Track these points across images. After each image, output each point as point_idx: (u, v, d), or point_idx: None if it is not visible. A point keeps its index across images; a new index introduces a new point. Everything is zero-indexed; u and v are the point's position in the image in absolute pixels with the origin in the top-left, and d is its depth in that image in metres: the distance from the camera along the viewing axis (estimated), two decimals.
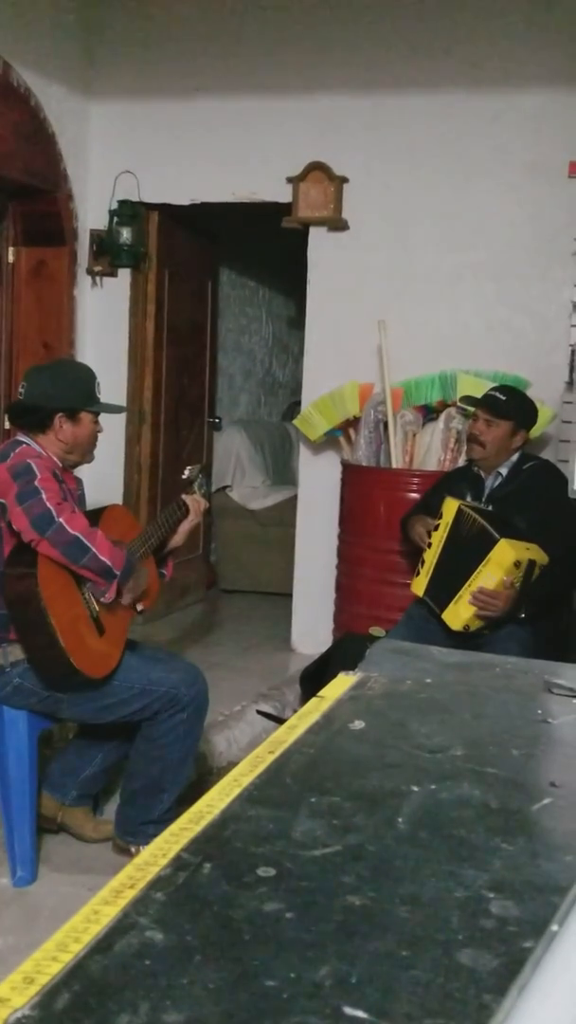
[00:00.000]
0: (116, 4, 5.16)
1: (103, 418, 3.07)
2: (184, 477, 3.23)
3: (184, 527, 3.18)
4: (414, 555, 3.83)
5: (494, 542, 3.41)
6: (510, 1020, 0.67)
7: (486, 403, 3.78)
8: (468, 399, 4.05)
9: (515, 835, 0.93)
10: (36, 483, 2.69)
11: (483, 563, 3.42)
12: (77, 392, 2.96)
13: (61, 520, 2.64)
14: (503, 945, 0.74)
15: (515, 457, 3.77)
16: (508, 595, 3.41)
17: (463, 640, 3.52)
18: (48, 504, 2.66)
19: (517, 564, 3.40)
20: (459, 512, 3.55)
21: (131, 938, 0.73)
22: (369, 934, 0.76)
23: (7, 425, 4.88)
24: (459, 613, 3.49)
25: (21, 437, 2.94)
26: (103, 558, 2.68)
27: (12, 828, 2.90)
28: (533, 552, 3.46)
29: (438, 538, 3.61)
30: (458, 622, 3.49)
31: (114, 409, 3.14)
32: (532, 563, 3.45)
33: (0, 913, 2.74)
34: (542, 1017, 0.68)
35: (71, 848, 3.14)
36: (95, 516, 2.93)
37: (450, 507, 3.59)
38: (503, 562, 3.38)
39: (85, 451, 3.02)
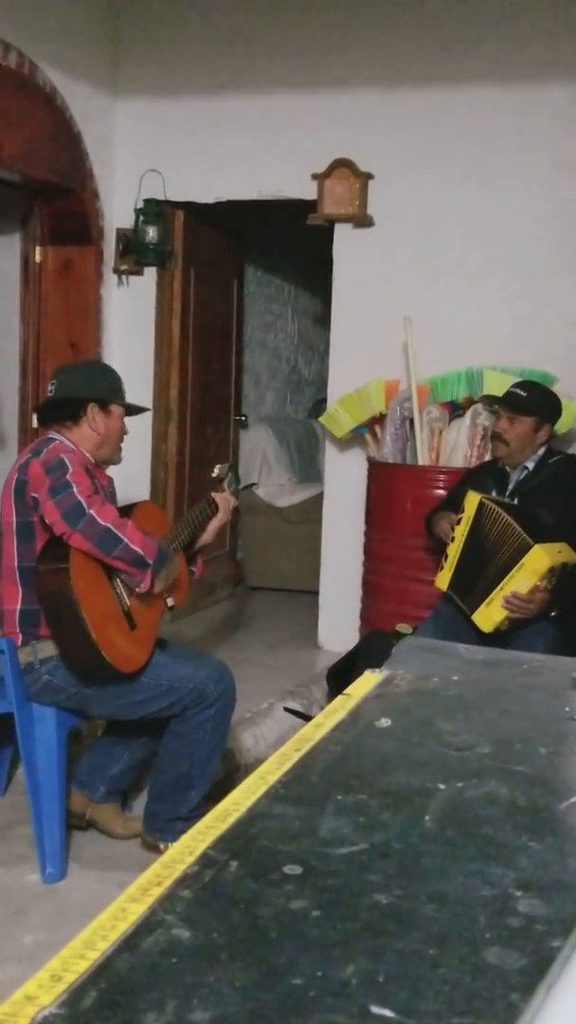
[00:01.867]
0: (141, 3, 5.17)
1: (129, 418, 3.11)
2: (214, 475, 3.25)
3: (213, 525, 3.20)
4: (440, 552, 3.82)
5: (528, 547, 3.39)
6: (538, 1019, 0.67)
7: (507, 400, 3.77)
8: (489, 398, 4.04)
9: (543, 833, 0.93)
10: (68, 477, 2.72)
11: (516, 567, 3.40)
12: (108, 384, 3.06)
13: (92, 512, 2.66)
14: (531, 944, 0.74)
15: (541, 451, 3.76)
16: (541, 598, 3.41)
17: (491, 638, 3.51)
18: (79, 496, 2.68)
19: (552, 570, 3.39)
20: (480, 506, 3.55)
21: (158, 936, 0.73)
22: (396, 932, 0.75)
23: (35, 424, 4.92)
24: (491, 616, 3.48)
25: (53, 434, 2.97)
26: (135, 547, 2.70)
27: (42, 825, 2.91)
28: (565, 554, 3.45)
29: (460, 532, 3.61)
30: (489, 624, 3.49)
31: (140, 409, 3.19)
32: (565, 565, 3.44)
33: (30, 909, 2.76)
34: (570, 1016, 0.68)
35: (100, 845, 3.15)
36: (126, 512, 2.96)
37: (472, 501, 3.58)
38: (538, 569, 3.38)
39: (114, 448, 3.07)
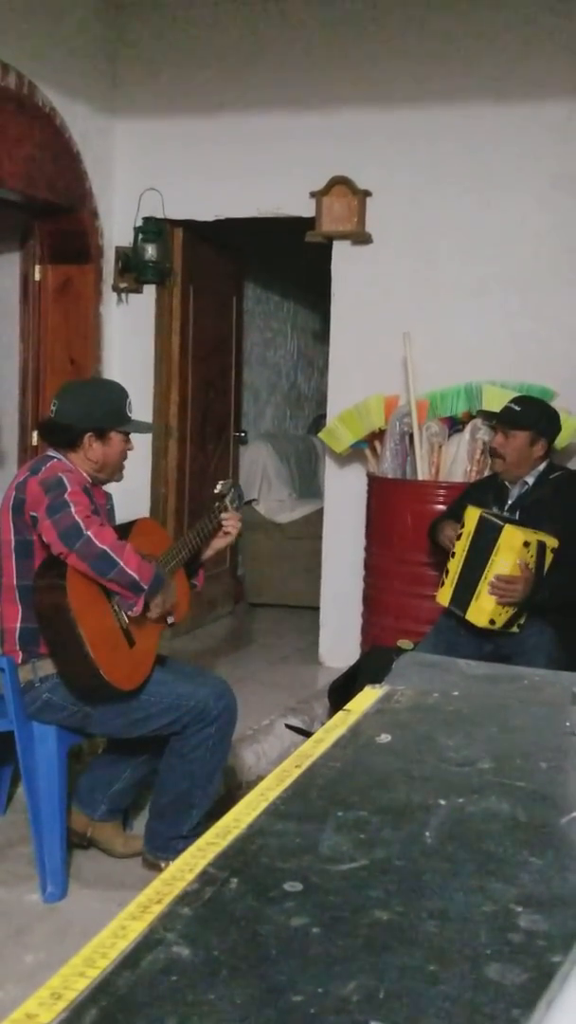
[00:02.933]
0: (139, 23, 5.20)
1: (134, 436, 3.09)
2: (216, 491, 3.23)
3: (219, 543, 3.19)
4: (441, 567, 3.82)
5: (500, 529, 3.41)
6: None
7: (501, 415, 3.79)
8: (486, 414, 4.06)
9: (544, 848, 0.92)
10: (66, 496, 2.71)
11: (494, 552, 3.43)
12: (107, 412, 2.98)
13: (89, 533, 2.65)
14: (532, 959, 0.74)
15: (542, 466, 3.76)
16: (526, 577, 3.41)
17: (492, 652, 3.51)
18: (76, 517, 2.67)
19: (526, 544, 3.43)
20: (481, 520, 3.55)
21: (158, 954, 0.73)
22: (397, 949, 0.75)
23: (34, 441, 4.92)
24: (482, 607, 3.49)
25: (52, 452, 2.96)
26: (131, 572, 2.69)
27: (42, 843, 2.90)
28: (540, 535, 3.48)
29: (461, 547, 3.61)
30: (483, 617, 3.49)
31: (144, 428, 3.16)
32: (542, 544, 3.47)
33: (31, 929, 2.74)
34: None
35: (101, 863, 3.14)
36: (125, 529, 2.95)
37: (471, 516, 3.59)
38: (513, 545, 3.40)
39: (114, 470, 3.04)
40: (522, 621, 3.51)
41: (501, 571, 3.42)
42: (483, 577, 3.47)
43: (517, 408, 3.76)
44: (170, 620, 3.03)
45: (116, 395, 3.06)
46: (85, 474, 2.94)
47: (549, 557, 3.50)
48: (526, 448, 3.70)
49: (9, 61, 4.35)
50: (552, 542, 3.51)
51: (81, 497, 2.75)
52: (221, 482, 3.28)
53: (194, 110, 5.15)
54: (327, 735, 1.19)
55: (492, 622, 3.48)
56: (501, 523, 3.45)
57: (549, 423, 3.78)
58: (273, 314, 7.95)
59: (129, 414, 3.03)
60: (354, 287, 4.97)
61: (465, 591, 3.57)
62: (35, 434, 4.89)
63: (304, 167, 4.93)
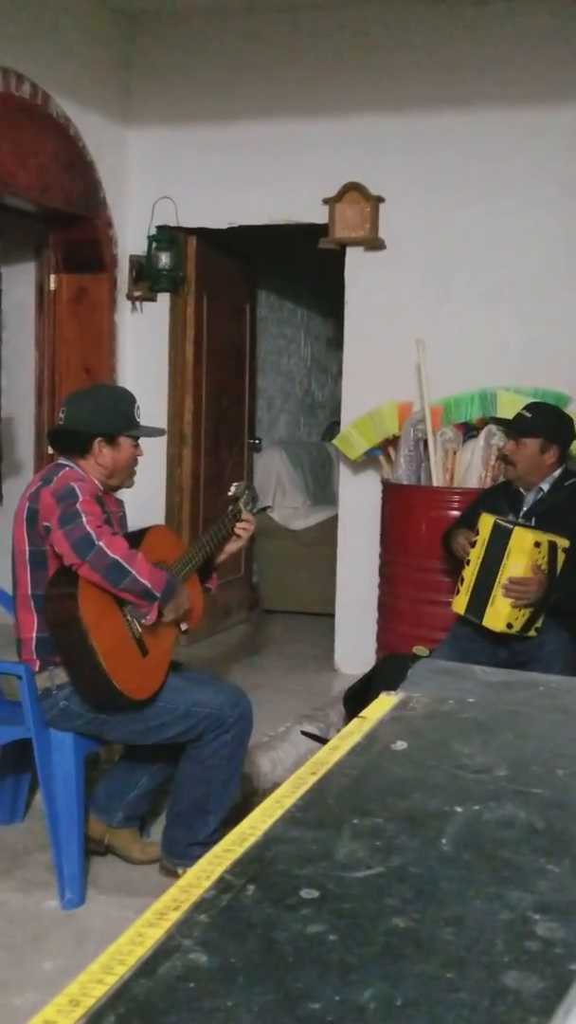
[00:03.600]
0: (152, 33, 5.23)
1: (144, 442, 3.09)
2: (230, 494, 3.23)
3: (232, 547, 3.19)
4: (456, 573, 3.82)
5: (510, 532, 3.41)
6: None
7: (512, 422, 3.78)
8: (498, 421, 4.06)
9: (560, 856, 0.92)
10: (78, 506, 2.71)
11: (505, 555, 3.42)
12: (116, 417, 2.98)
13: (101, 544, 2.65)
14: (549, 967, 0.74)
15: (556, 473, 3.74)
16: (539, 579, 3.40)
17: (508, 658, 3.50)
18: (88, 528, 2.67)
19: (537, 544, 3.42)
20: (495, 527, 3.54)
21: (175, 960, 0.73)
22: (413, 956, 0.75)
23: (50, 450, 4.94)
24: (498, 612, 3.48)
25: (63, 461, 2.97)
26: (143, 580, 2.69)
27: (60, 850, 2.91)
28: (551, 535, 3.47)
29: (476, 555, 3.60)
30: (499, 622, 3.48)
31: (154, 432, 3.14)
32: (553, 544, 3.46)
33: (49, 935, 2.75)
34: None
35: (118, 870, 3.14)
36: (138, 537, 2.95)
37: (486, 523, 3.58)
38: (524, 546, 3.40)
39: (125, 475, 3.04)
40: (539, 624, 3.50)
41: (514, 573, 3.42)
42: (496, 581, 3.46)
43: (528, 415, 3.75)
44: (184, 627, 3.03)
45: (124, 400, 3.07)
46: (97, 482, 2.95)
47: (561, 557, 3.49)
48: (537, 455, 3.69)
49: (23, 72, 4.37)
50: (563, 542, 3.51)
51: (93, 507, 2.75)
52: (235, 484, 3.26)
53: (207, 119, 5.17)
54: (343, 742, 1.19)
55: (509, 626, 3.47)
56: (511, 526, 3.45)
57: (561, 430, 3.77)
58: (286, 321, 7.96)
59: (138, 419, 3.04)
60: (367, 293, 4.98)
61: (480, 598, 3.56)
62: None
63: (317, 174, 4.94)
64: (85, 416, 2.98)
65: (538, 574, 3.41)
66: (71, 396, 3.12)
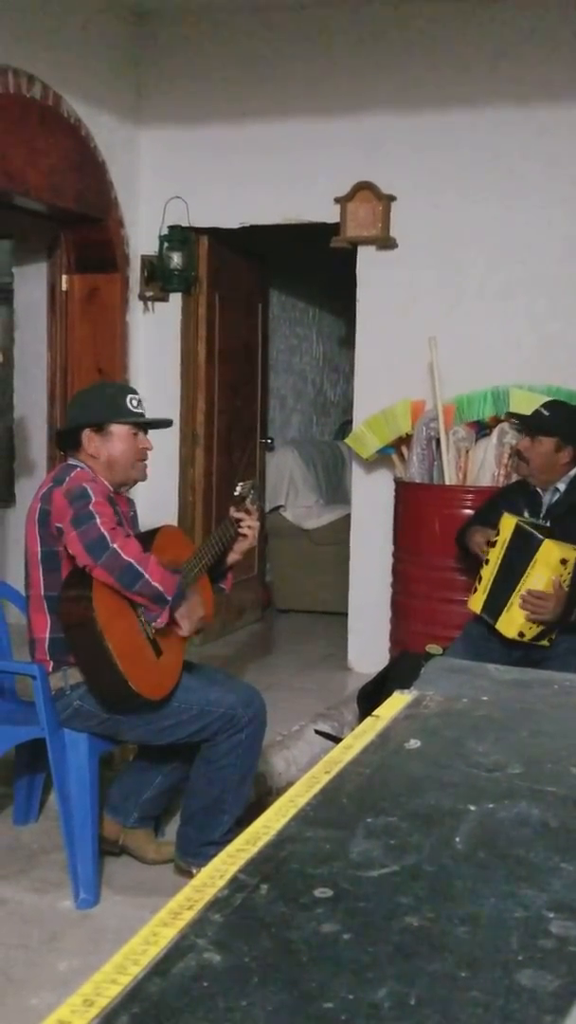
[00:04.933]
0: (163, 33, 5.23)
1: (157, 442, 3.08)
2: (236, 494, 3.21)
3: (241, 547, 3.17)
4: (470, 572, 3.81)
5: (539, 543, 3.38)
6: None
7: (530, 420, 3.75)
8: (514, 416, 4.03)
9: (575, 854, 0.92)
10: (91, 507, 2.71)
11: (530, 566, 3.39)
12: (103, 406, 2.96)
13: (115, 546, 2.65)
14: (563, 965, 0.73)
15: (572, 472, 3.72)
16: (558, 596, 3.37)
17: (522, 657, 3.49)
18: (103, 529, 2.67)
19: (564, 562, 3.37)
20: (517, 529, 3.51)
21: (189, 960, 0.73)
22: (427, 955, 0.75)
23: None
24: (512, 619, 3.46)
25: (74, 461, 2.97)
26: (155, 584, 2.69)
27: (75, 851, 2.91)
28: None
29: (495, 555, 3.58)
30: (512, 629, 3.46)
31: (153, 423, 3.07)
32: None
33: (64, 935, 2.75)
34: None
35: (133, 870, 3.15)
36: (149, 537, 2.94)
37: (507, 524, 3.55)
38: (549, 561, 3.36)
39: (127, 468, 2.98)
40: (553, 636, 3.48)
41: (535, 586, 3.38)
42: (516, 589, 3.43)
43: (546, 413, 3.73)
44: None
45: (116, 391, 3.06)
46: (106, 482, 2.94)
47: None
48: (552, 454, 3.66)
49: (35, 72, 4.38)
50: None
51: (106, 508, 2.75)
52: (240, 484, 3.24)
53: (218, 118, 5.17)
54: (356, 741, 1.18)
55: (521, 635, 3.46)
56: (541, 536, 3.39)
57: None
58: (298, 320, 7.96)
59: (132, 408, 2.97)
60: (379, 292, 4.97)
61: (497, 600, 3.54)
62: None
63: (328, 173, 4.94)
64: (75, 410, 3.03)
65: (559, 591, 3.37)
66: (72, 397, 3.16)
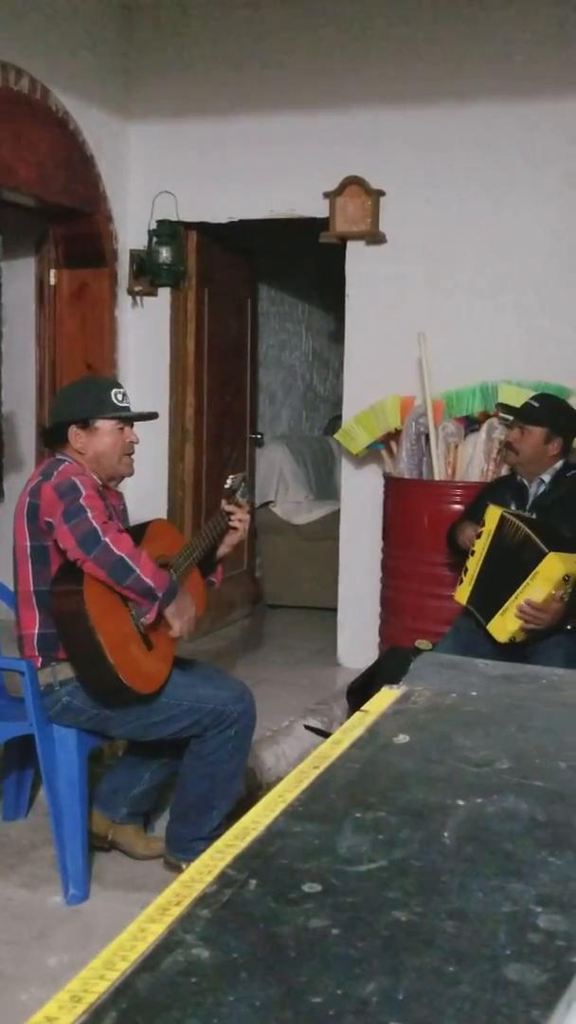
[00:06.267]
0: (152, 27, 5.22)
1: (141, 430, 3.07)
2: (227, 487, 3.21)
3: (231, 540, 3.18)
4: (459, 567, 3.81)
5: (542, 555, 3.37)
6: None
7: (520, 410, 3.78)
8: (504, 406, 4.05)
9: (563, 848, 0.92)
10: (82, 501, 2.70)
11: (531, 576, 3.38)
12: (89, 401, 2.96)
13: (107, 540, 2.65)
14: (551, 960, 0.74)
15: (559, 464, 3.75)
16: (555, 608, 3.38)
17: (510, 652, 3.49)
18: (94, 523, 2.67)
19: (566, 578, 3.36)
20: (502, 520, 3.53)
21: (177, 956, 0.73)
22: (416, 950, 0.75)
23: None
24: (505, 625, 3.46)
25: (62, 455, 2.96)
26: (146, 579, 2.69)
27: (64, 846, 2.91)
28: None
29: (481, 546, 3.59)
30: (504, 634, 3.47)
31: (137, 416, 3.06)
32: None
33: (53, 931, 2.75)
34: None
35: (122, 866, 3.15)
36: (139, 531, 2.94)
37: (492, 515, 3.57)
38: (552, 576, 3.34)
39: (114, 462, 2.98)
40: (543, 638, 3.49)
41: (534, 597, 3.37)
42: (513, 597, 3.42)
43: (536, 404, 3.76)
44: None
45: (98, 386, 3.06)
46: (95, 476, 2.94)
47: None
48: (541, 445, 3.69)
49: (23, 66, 4.37)
50: None
51: (96, 501, 2.75)
52: (231, 477, 3.24)
53: (207, 113, 5.16)
54: (345, 736, 1.18)
55: (512, 639, 3.47)
56: (546, 549, 3.37)
57: (567, 422, 3.78)
58: (288, 315, 7.95)
59: (117, 402, 2.97)
60: (369, 287, 4.97)
61: (489, 601, 3.53)
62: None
63: (317, 168, 4.93)
64: (60, 407, 3.02)
65: (556, 604, 3.38)
66: (56, 393, 3.15)
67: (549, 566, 3.35)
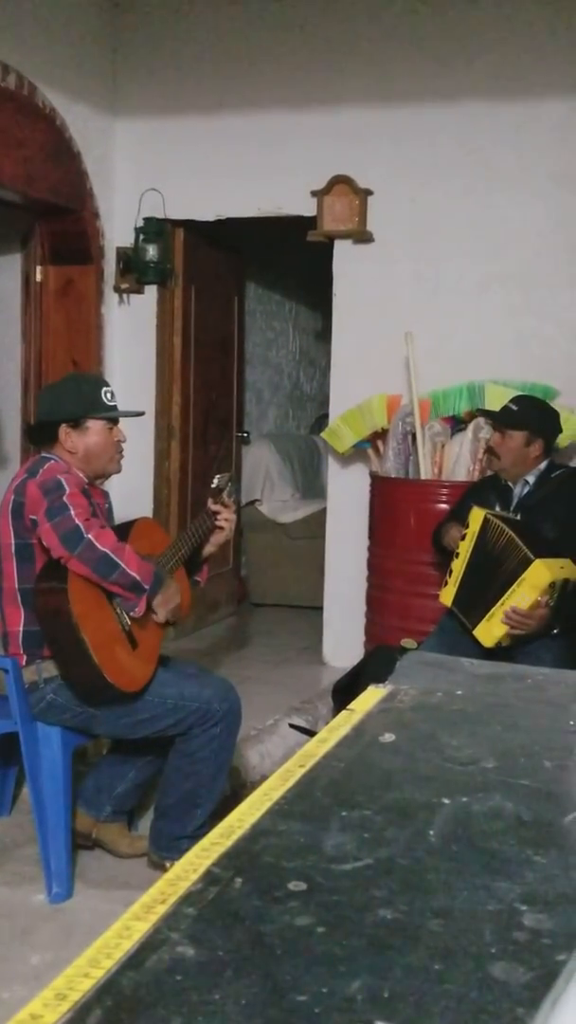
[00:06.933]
0: (139, 23, 5.21)
1: (127, 428, 3.07)
2: (213, 486, 3.21)
3: (217, 539, 3.18)
4: (445, 566, 3.82)
5: (528, 562, 3.37)
6: None
7: (499, 415, 3.78)
8: (484, 412, 4.05)
9: (548, 847, 0.92)
10: (65, 499, 2.70)
11: (517, 583, 3.37)
12: (79, 401, 2.95)
13: (90, 536, 2.65)
14: (536, 958, 0.74)
15: (543, 465, 3.75)
16: (541, 614, 3.38)
17: (497, 651, 3.50)
18: (77, 520, 2.66)
19: (552, 585, 3.36)
20: (485, 522, 3.53)
21: (162, 954, 0.73)
22: (401, 948, 0.75)
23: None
24: (491, 631, 3.46)
25: (47, 453, 2.96)
26: (132, 573, 2.69)
27: (47, 844, 2.90)
28: (568, 570, 3.42)
29: (465, 548, 3.59)
30: (490, 639, 3.47)
31: (125, 414, 3.07)
32: (567, 581, 3.42)
33: (36, 929, 2.75)
34: None
35: (106, 864, 3.14)
36: (124, 530, 2.94)
37: (476, 517, 3.57)
38: (538, 583, 3.34)
39: (104, 461, 2.98)
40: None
41: (520, 604, 3.37)
42: (500, 603, 3.42)
43: (515, 408, 3.75)
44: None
45: (88, 384, 3.05)
46: (81, 473, 2.93)
47: (569, 590, 3.42)
48: (522, 448, 3.69)
49: (9, 62, 4.35)
50: (575, 574, 3.44)
51: (80, 499, 2.74)
52: (218, 476, 3.24)
53: (194, 110, 5.15)
54: (331, 734, 1.18)
55: (498, 644, 3.47)
56: (532, 556, 3.36)
57: (546, 423, 3.76)
58: (275, 314, 7.95)
59: (106, 401, 2.98)
60: (356, 286, 4.97)
61: (474, 604, 3.54)
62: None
63: (305, 166, 4.93)
64: (49, 406, 3.00)
65: (542, 610, 3.37)
66: (41, 390, 3.14)
67: (535, 573, 3.35)
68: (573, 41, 4.59)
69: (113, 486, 3.18)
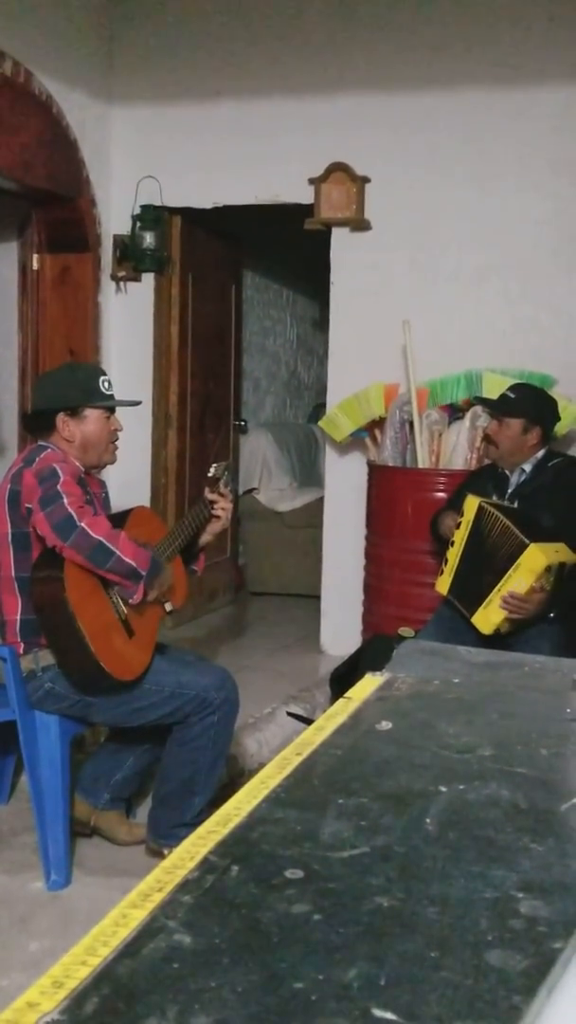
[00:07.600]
0: (136, 10, 5.18)
1: (124, 417, 3.06)
2: (210, 475, 3.20)
3: (214, 528, 3.18)
4: (442, 555, 3.81)
5: (524, 546, 3.37)
6: (540, 1021, 0.66)
7: (497, 403, 3.77)
8: (481, 400, 4.05)
9: (544, 835, 0.93)
10: (58, 487, 2.69)
11: (513, 568, 3.38)
12: (77, 390, 2.95)
13: (83, 524, 2.64)
14: (532, 946, 0.74)
15: (540, 454, 3.74)
16: (539, 598, 3.39)
17: (493, 639, 3.50)
18: (70, 509, 2.66)
19: (548, 568, 3.36)
20: (480, 509, 3.53)
21: (159, 941, 0.73)
22: (398, 935, 0.75)
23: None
24: (489, 617, 3.46)
25: (44, 442, 2.95)
26: (128, 560, 2.69)
27: (46, 832, 2.91)
28: (563, 554, 3.43)
29: (460, 536, 3.58)
30: (488, 626, 3.47)
31: (122, 403, 3.07)
32: (563, 565, 3.42)
33: (35, 917, 2.75)
34: (572, 1018, 0.68)
35: (104, 852, 3.15)
36: (121, 518, 2.94)
37: (471, 505, 3.56)
38: (534, 568, 3.35)
39: (101, 450, 2.99)
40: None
41: (517, 589, 3.37)
42: (496, 589, 3.42)
43: (512, 395, 3.74)
44: (168, 607, 3.02)
45: (86, 373, 3.05)
46: (77, 462, 2.93)
47: (566, 573, 3.44)
48: (519, 436, 3.68)
49: (5, 48, 4.33)
50: (572, 558, 3.44)
51: (74, 488, 2.73)
52: (214, 465, 3.23)
53: (192, 97, 5.13)
54: (328, 723, 1.19)
55: (496, 631, 3.47)
56: (527, 540, 3.36)
57: (544, 411, 3.75)
58: (272, 302, 7.94)
59: (105, 391, 2.98)
60: (353, 275, 4.96)
61: (472, 593, 3.53)
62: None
63: (302, 154, 4.91)
64: (47, 394, 2.99)
65: (539, 594, 3.38)
66: (37, 378, 3.13)
67: (531, 558, 3.35)
68: (571, 29, 4.57)
69: (110, 475, 3.17)
